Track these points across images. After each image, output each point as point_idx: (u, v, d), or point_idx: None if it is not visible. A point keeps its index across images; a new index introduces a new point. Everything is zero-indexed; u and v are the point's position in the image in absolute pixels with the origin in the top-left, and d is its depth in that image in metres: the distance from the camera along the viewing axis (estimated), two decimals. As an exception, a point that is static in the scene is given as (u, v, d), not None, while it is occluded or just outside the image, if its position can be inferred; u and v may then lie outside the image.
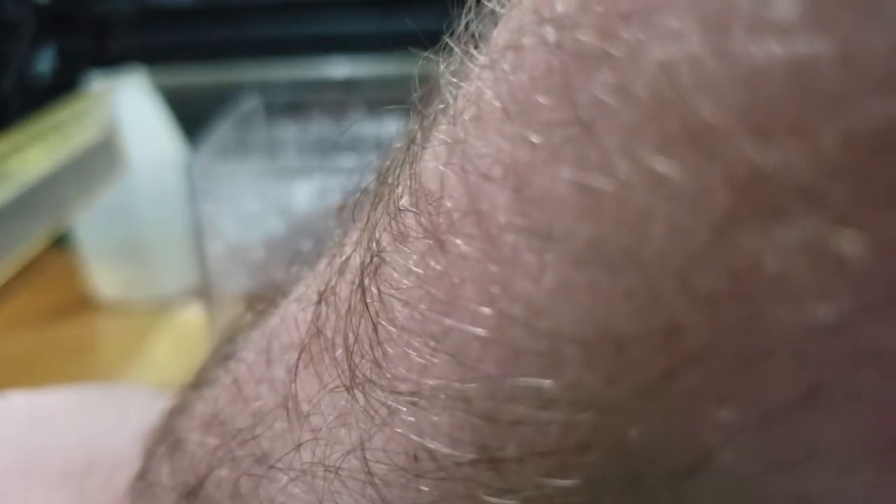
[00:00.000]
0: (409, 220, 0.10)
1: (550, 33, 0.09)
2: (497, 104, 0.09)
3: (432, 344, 0.09)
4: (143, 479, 0.15)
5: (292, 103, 0.49)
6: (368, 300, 0.10)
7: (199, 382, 0.14)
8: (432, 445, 0.09)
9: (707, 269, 0.08)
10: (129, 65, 0.46)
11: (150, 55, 0.51)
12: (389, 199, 0.11)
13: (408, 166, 0.10)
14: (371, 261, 0.10)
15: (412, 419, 0.10)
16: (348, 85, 0.49)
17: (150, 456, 0.15)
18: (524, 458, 0.09)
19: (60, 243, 0.48)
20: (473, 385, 0.09)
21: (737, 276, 0.07)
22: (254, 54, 0.53)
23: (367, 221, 0.11)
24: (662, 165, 0.08)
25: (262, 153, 0.48)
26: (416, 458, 0.10)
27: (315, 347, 0.11)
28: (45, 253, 0.48)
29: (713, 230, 0.07)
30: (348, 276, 0.11)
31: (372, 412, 0.10)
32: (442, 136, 0.10)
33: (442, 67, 0.11)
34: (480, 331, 0.09)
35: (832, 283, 0.07)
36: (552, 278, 0.08)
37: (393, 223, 0.10)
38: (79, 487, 0.17)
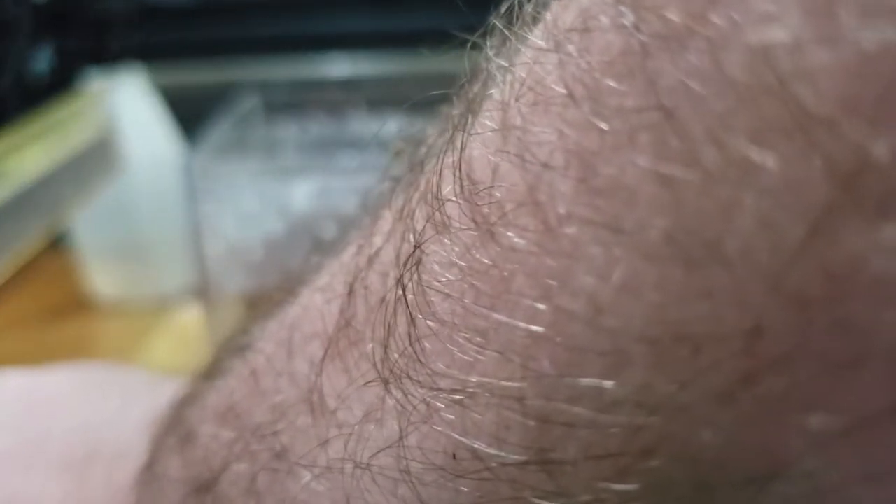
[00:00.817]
0: (453, 210, 0.10)
1: (627, 14, 0.08)
2: (560, 89, 0.09)
3: (478, 339, 0.09)
4: (151, 471, 0.14)
5: (292, 102, 0.48)
6: (407, 294, 0.10)
7: (211, 372, 0.14)
8: (475, 445, 0.09)
9: (800, 268, 0.07)
10: (127, 63, 0.46)
11: (149, 54, 0.50)
12: (428, 188, 0.10)
13: (451, 154, 0.10)
14: (413, 252, 0.10)
15: (453, 417, 0.09)
16: (348, 84, 0.49)
17: (158, 447, 0.14)
18: (580, 462, 0.09)
19: (58, 243, 0.48)
20: (524, 384, 0.09)
21: (833, 276, 0.07)
22: (253, 53, 0.53)
23: (403, 211, 0.11)
24: (756, 155, 0.07)
25: (261, 152, 0.48)
26: (455, 458, 0.09)
27: (343, 341, 0.11)
28: (43, 253, 0.48)
29: (810, 226, 0.07)
30: (379, 268, 0.11)
31: (409, 408, 0.10)
32: (491, 123, 0.09)
33: (489, 52, 0.10)
34: (534, 327, 0.09)
35: None
36: (621, 273, 0.08)
37: (436, 213, 0.10)
38: (79, 476, 0.16)
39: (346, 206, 0.37)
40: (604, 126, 0.08)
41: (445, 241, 0.09)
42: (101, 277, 0.47)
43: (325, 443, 0.11)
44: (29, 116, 0.39)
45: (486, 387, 0.09)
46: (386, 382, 0.10)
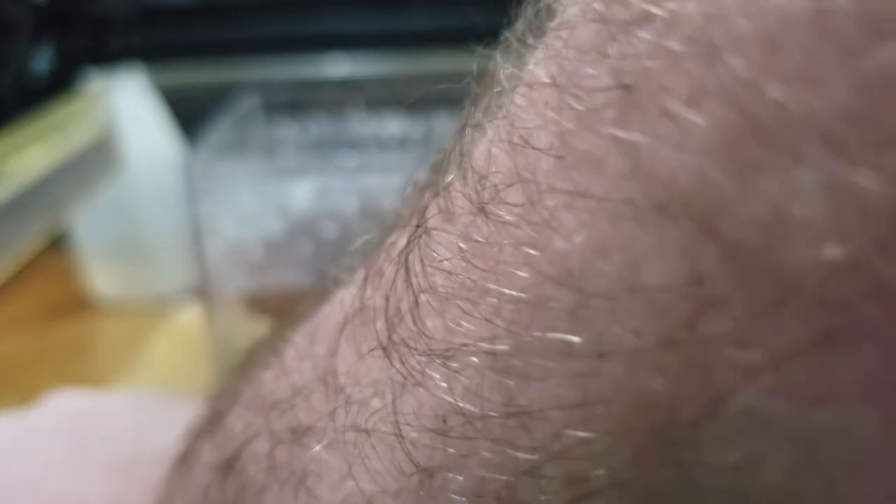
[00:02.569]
0: (457, 198, 0.10)
1: (600, 6, 0.09)
2: (546, 79, 0.10)
3: (469, 308, 0.10)
4: (184, 460, 0.15)
5: (291, 102, 0.48)
6: (411, 274, 0.11)
7: (247, 367, 0.15)
8: (462, 405, 0.10)
9: (733, 219, 0.08)
10: (126, 63, 0.46)
11: (148, 54, 0.50)
12: (439, 181, 0.11)
13: (459, 149, 0.11)
14: (416, 233, 0.11)
15: (444, 382, 0.10)
16: (348, 84, 0.49)
17: (192, 438, 0.15)
18: (550, 412, 0.09)
19: (58, 243, 0.48)
20: (502, 344, 0.10)
21: (760, 223, 0.08)
22: (252, 53, 0.53)
23: (416, 205, 0.11)
24: (693, 116, 0.08)
25: (261, 152, 0.48)
26: (445, 420, 0.10)
27: (358, 320, 0.12)
28: (43, 252, 0.48)
29: (739, 180, 0.08)
30: (393, 254, 0.11)
31: (406, 375, 0.11)
32: (493, 118, 0.10)
33: (499, 57, 0.11)
34: (517, 293, 0.09)
35: (848, 222, 0.07)
36: (588, 236, 0.09)
37: (441, 202, 0.11)
38: (122, 479, 0.17)
39: (346, 206, 0.37)
40: (578, 106, 0.09)
41: (449, 226, 0.10)
42: (101, 277, 0.47)
43: (332, 413, 0.11)
44: (29, 116, 0.39)
45: (473, 351, 0.10)
46: (385, 350, 0.11)
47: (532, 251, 0.09)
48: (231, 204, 0.37)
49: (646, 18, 0.09)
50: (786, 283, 0.08)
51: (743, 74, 0.08)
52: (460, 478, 0.10)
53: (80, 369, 0.42)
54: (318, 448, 0.11)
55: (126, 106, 0.44)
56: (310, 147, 0.48)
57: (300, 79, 0.50)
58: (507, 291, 0.09)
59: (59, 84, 0.47)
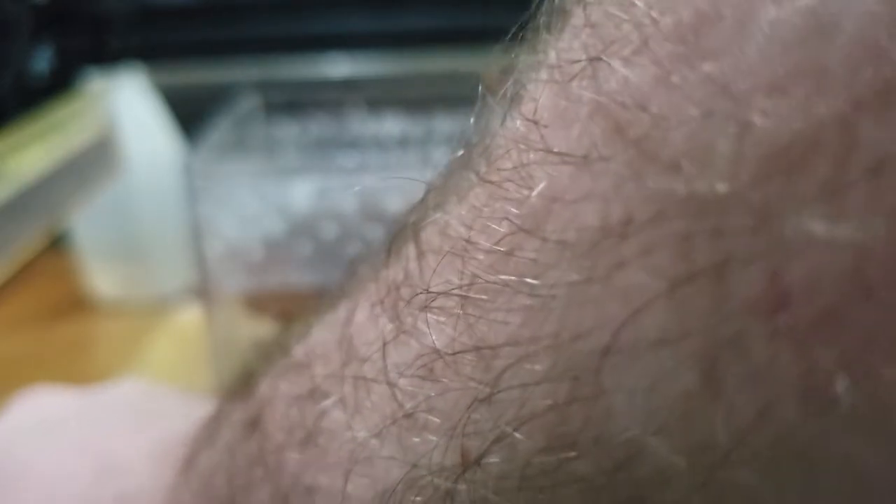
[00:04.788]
0: (468, 174, 0.12)
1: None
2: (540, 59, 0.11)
3: (457, 263, 0.11)
4: (215, 420, 0.16)
5: (291, 102, 0.48)
6: (421, 241, 0.12)
7: (283, 338, 0.16)
8: (440, 347, 0.11)
9: (654, 161, 0.09)
10: (126, 63, 0.46)
11: (148, 54, 0.50)
12: (455, 162, 0.12)
13: (482, 141, 0.12)
14: (423, 197, 0.12)
15: (426, 328, 0.11)
16: (348, 84, 0.49)
17: (224, 399, 0.16)
18: (508, 348, 0.10)
19: (58, 243, 0.48)
20: (476, 292, 0.11)
21: (674, 165, 0.09)
22: (252, 53, 0.53)
23: (438, 185, 0.13)
24: (629, 73, 0.10)
25: (260, 152, 0.48)
26: (427, 366, 0.11)
27: (372, 287, 0.13)
28: (42, 253, 0.48)
29: (660, 129, 0.09)
30: (410, 228, 0.13)
31: (399, 326, 0.12)
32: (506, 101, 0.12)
33: (517, 57, 0.12)
34: (497, 246, 0.11)
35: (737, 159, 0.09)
36: (549, 186, 0.10)
37: (463, 183, 0.12)
38: (169, 449, 0.18)
39: (345, 206, 0.37)
40: (558, 78, 0.11)
41: (456, 198, 0.12)
42: (101, 277, 0.47)
43: (342, 370, 0.13)
44: (28, 116, 0.39)
45: (452, 298, 0.11)
46: (383, 304, 0.12)
47: (515, 210, 0.10)
48: (231, 204, 0.37)
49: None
50: (692, 215, 0.09)
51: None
52: (435, 418, 0.11)
53: (80, 369, 0.42)
54: (327, 403, 0.12)
55: (126, 106, 0.44)
56: (310, 147, 0.48)
57: (300, 79, 0.50)
58: (484, 244, 0.11)
59: (59, 84, 0.47)
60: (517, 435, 0.10)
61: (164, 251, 0.46)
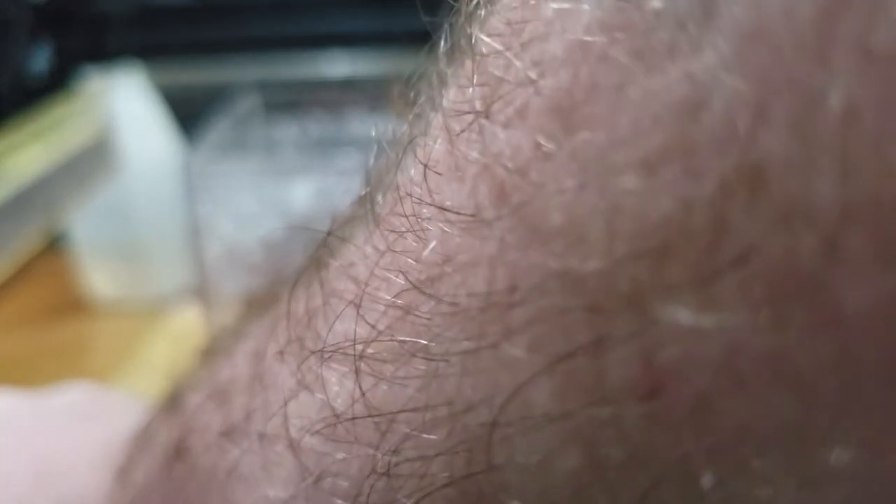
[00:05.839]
0: (372, 214, 0.11)
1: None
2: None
3: (351, 312, 0.11)
4: (145, 435, 0.16)
5: (291, 102, 0.48)
6: (325, 280, 0.12)
7: (211, 351, 0.16)
8: (337, 407, 0.11)
9: (536, 235, 0.09)
10: (125, 62, 0.46)
11: (147, 53, 0.50)
12: (366, 197, 0.12)
13: (394, 165, 0.11)
14: (327, 242, 0.12)
15: (325, 384, 0.11)
16: (348, 84, 0.49)
17: (153, 413, 0.16)
18: (403, 414, 0.10)
19: (56, 243, 0.48)
20: (373, 348, 0.10)
21: (550, 236, 0.09)
22: (252, 52, 0.53)
23: (349, 213, 0.12)
24: (510, 137, 0.09)
25: (260, 152, 0.48)
26: (334, 431, 0.11)
27: (282, 323, 0.12)
28: (40, 253, 0.48)
29: (542, 198, 0.09)
30: (319, 260, 0.12)
31: (300, 378, 0.11)
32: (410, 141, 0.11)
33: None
34: (392, 298, 0.10)
35: (610, 234, 0.08)
36: (441, 244, 0.10)
37: (365, 214, 0.12)
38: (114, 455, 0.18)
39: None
40: (454, 127, 0.10)
41: (359, 236, 0.11)
42: (99, 277, 0.47)
43: (251, 414, 0.12)
44: (27, 116, 0.39)
45: (349, 353, 0.11)
46: (283, 354, 0.12)
47: (409, 259, 0.10)
48: (230, 204, 0.37)
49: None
50: (568, 290, 0.09)
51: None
52: (343, 482, 0.11)
53: (78, 369, 0.41)
54: (239, 451, 0.12)
55: (124, 105, 0.44)
56: (310, 147, 0.47)
57: (300, 78, 0.50)
58: (384, 296, 0.10)
59: (58, 83, 0.47)
60: None
61: (162, 251, 0.46)
